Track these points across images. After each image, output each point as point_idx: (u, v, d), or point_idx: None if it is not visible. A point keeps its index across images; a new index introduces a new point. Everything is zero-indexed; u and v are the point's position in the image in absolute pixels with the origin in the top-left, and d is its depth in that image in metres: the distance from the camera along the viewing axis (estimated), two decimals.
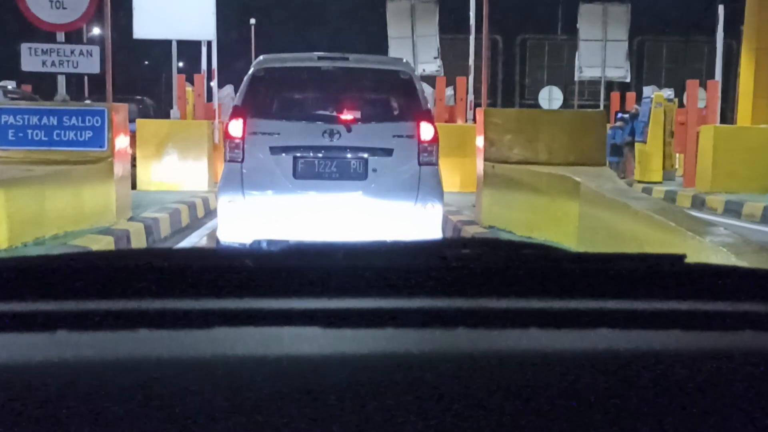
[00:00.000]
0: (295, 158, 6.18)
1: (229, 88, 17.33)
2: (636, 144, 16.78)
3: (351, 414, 0.71)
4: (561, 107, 24.27)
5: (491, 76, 24.03)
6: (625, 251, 1.14)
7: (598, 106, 21.69)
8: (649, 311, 0.90)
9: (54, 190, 7.10)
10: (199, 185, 12.46)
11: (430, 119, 6.37)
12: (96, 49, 8.44)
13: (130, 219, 8.39)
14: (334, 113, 6.39)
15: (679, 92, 19.24)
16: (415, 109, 6.29)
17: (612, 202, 5.77)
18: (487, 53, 13.54)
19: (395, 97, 6.65)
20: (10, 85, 17.51)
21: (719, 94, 15.00)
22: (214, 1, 13.41)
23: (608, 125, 14.72)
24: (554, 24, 38.69)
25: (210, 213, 10.78)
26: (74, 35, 19.13)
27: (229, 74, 20.80)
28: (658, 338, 0.84)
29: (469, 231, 8.09)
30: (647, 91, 17.99)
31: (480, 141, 8.57)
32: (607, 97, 21.57)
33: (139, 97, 18.91)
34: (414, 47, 21.17)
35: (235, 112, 6.28)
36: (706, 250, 4.16)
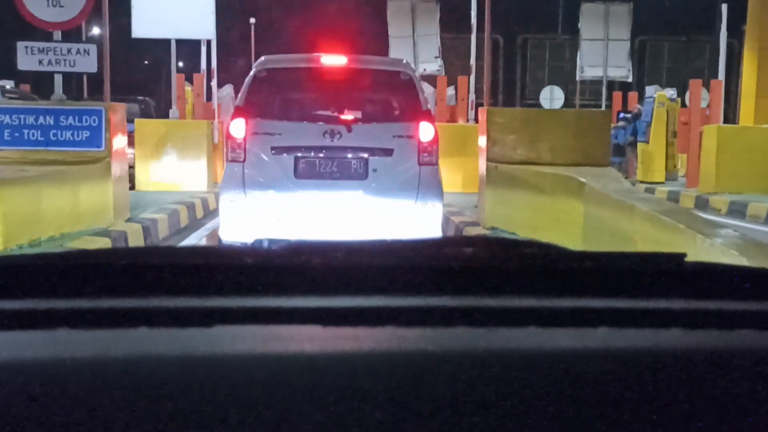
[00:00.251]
0: (296, 158, 6.22)
1: (228, 88, 17.21)
2: (638, 144, 16.69)
3: (351, 412, 0.71)
4: (562, 107, 24.17)
5: (492, 76, 23.92)
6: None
7: (600, 106, 21.61)
8: (648, 310, 0.90)
9: (50, 191, 7.00)
10: (198, 185, 12.39)
11: (431, 119, 6.42)
12: (93, 48, 8.33)
13: (128, 220, 8.29)
14: (335, 113, 6.44)
15: (681, 92, 19.13)
16: (415, 110, 6.34)
17: (618, 203, 5.66)
18: (489, 52, 13.44)
19: (396, 97, 6.69)
20: (9, 84, 17.41)
21: (722, 93, 14.90)
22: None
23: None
24: (555, 23, 38.61)
25: (209, 214, 10.71)
26: (74, 34, 19.05)
27: (229, 74, 20.70)
28: (657, 337, 0.84)
29: (472, 232, 8.00)
30: (650, 90, 17.90)
31: (482, 141, 8.47)
32: (609, 97, 21.47)
33: (141, 98, 18.87)
34: (415, 46, 21.06)
35: (237, 113, 6.33)
36: (716, 253, 4.05)
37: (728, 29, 15.00)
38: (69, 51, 8.24)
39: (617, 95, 20.80)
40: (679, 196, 13.39)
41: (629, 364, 0.77)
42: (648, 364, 0.77)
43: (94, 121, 7.88)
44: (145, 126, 12.93)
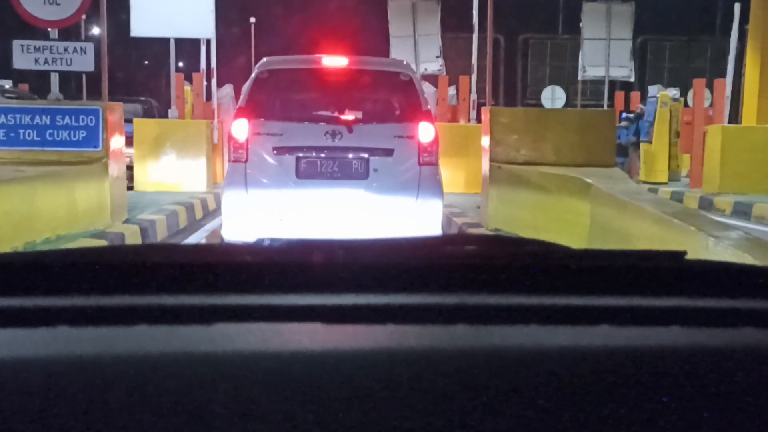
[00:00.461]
0: (297, 158, 6.29)
1: (228, 88, 17.06)
2: (641, 144, 16.57)
3: (351, 410, 0.70)
4: (564, 107, 24.04)
5: (493, 75, 23.83)
6: None
7: (602, 106, 21.49)
8: (649, 308, 0.90)
9: (45, 192, 6.88)
10: (197, 186, 12.30)
11: (431, 120, 6.49)
12: (90, 46, 8.20)
13: (126, 221, 8.18)
14: (336, 114, 6.54)
15: (683, 92, 19.01)
16: (415, 110, 6.43)
17: (625, 205, 5.54)
18: (491, 52, 13.32)
19: (396, 98, 6.77)
20: (7, 84, 17.29)
21: (728, 93, 14.79)
22: None
23: None
24: (556, 23, 38.51)
25: (208, 215, 10.62)
26: (73, 33, 18.93)
27: (229, 73, 20.58)
28: (658, 335, 0.84)
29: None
30: (653, 90, 17.77)
31: (486, 141, 8.35)
32: (610, 97, 21.35)
33: (144, 98, 18.79)
34: (416, 46, 20.93)
35: (240, 113, 6.41)
36: (727, 255, 3.94)
37: (730, 29, 14.89)
38: (65, 50, 8.12)
39: (619, 95, 20.68)
40: (683, 196, 13.28)
41: (630, 362, 0.77)
42: (648, 362, 0.77)
43: (91, 120, 7.76)
44: (144, 126, 12.83)
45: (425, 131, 6.38)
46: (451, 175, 12.36)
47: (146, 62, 36.78)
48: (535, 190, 7.48)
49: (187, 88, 15.87)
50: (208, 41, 13.71)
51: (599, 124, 8.14)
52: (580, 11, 21.74)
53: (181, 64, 22.45)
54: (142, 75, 35.54)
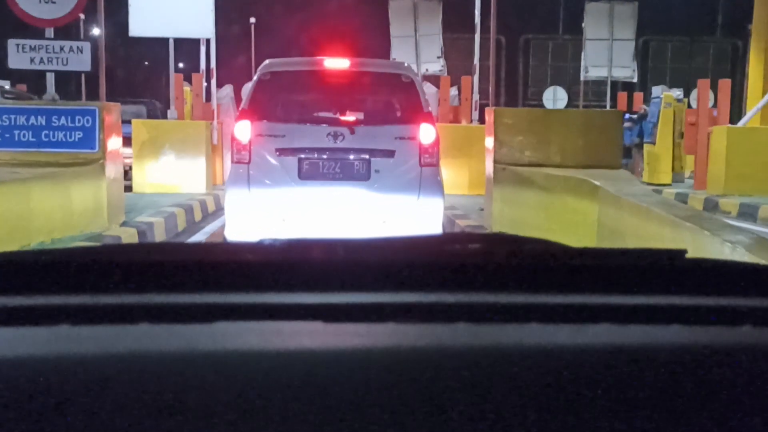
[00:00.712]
0: (300, 159, 6.35)
1: (228, 88, 16.90)
2: (644, 145, 16.45)
3: (352, 409, 0.70)
4: (565, 108, 23.90)
5: (494, 76, 23.69)
6: None
7: (604, 107, 21.37)
8: (649, 306, 0.90)
9: (41, 194, 6.73)
10: (197, 187, 12.19)
11: (431, 121, 6.56)
12: (87, 46, 8.04)
13: (123, 224, 8.05)
14: (338, 116, 6.60)
15: (685, 92, 18.88)
16: (416, 112, 6.50)
17: (635, 207, 5.39)
18: (495, 52, 13.20)
19: (397, 99, 6.83)
20: (6, 85, 17.15)
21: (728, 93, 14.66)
22: None
23: None
24: (557, 24, 38.40)
25: (208, 216, 10.51)
26: (73, 34, 18.78)
27: (228, 74, 20.43)
28: (657, 333, 0.84)
29: None
30: (656, 91, 17.63)
31: (489, 142, 8.21)
32: (613, 98, 21.22)
33: (147, 100, 18.70)
34: (417, 46, 20.79)
35: (242, 115, 6.48)
36: (743, 259, 3.79)
37: (732, 29, 14.78)
38: (62, 49, 7.96)
39: (622, 96, 20.54)
40: (687, 198, 13.15)
41: (629, 360, 0.77)
42: (648, 360, 0.77)
43: (88, 121, 7.61)
44: (142, 127, 12.72)
45: (426, 133, 6.44)
46: (453, 176, 12.24)
47: (146, 63, 36.65)
48: (540, 192, 7.34)
49: (187, 88, 15.72)
50: (208, 41, 13.57)
51: (605, 125, 8.00)
52: (582, 11, 21.62)
53: (181, 65, 22.33)
54: (142, 76, 35.44)
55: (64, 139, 7.64)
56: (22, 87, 18.86)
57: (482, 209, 9.68)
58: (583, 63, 20.92)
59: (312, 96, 7.06)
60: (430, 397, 0.72)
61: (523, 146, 7.93)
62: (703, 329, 0.85)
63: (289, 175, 6.33)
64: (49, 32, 8.14)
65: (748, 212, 11.27)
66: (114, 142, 8.08)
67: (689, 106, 17.54)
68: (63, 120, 7.62)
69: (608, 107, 20.36)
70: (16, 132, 7.62)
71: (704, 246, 4.23)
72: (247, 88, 7.14)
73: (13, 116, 7.63)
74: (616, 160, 7.80)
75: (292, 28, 32.96)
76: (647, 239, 5.09)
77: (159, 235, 8.27)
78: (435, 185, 6.44)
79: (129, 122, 12.35)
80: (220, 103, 14.96)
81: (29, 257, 1.03)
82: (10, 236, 6.18)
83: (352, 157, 6.37)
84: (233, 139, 6.44)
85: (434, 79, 18.10)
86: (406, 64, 7.52)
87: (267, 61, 6.81)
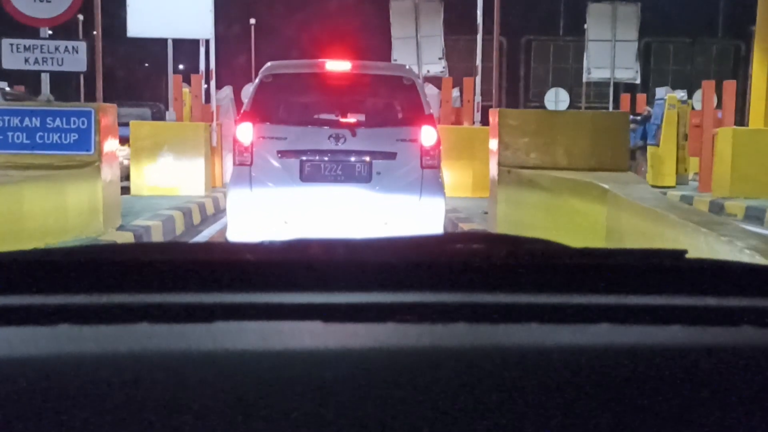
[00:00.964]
0: (301, 161, 6.38)
1: (228, 90, 16.74)
2: (648, 147, 16.29)
3: (352, 408, 0.70)
4: (567, 109, 23.75)
5: (498, 77, 23.56)
6: None
7: (606, 108, 21.24)
8: (649, 306, 0.90)
9: (34, 198, 6.55)
10: (195, 190, 12.06)
11: (433, 124, 6.60)
12: (82, 46, 7.87)
13: (120, 228, 7.90)
14: (340, 118, 6.68)
15: (687, 94, 18.73)
16: (417, 114, 6.54)
17: (646, 212, 5.22)
18: (498, 53, 13.05)
19: (399, 102, 6.86)
20: (4, 86, 16.99)
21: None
22: None
23: None
24: (558, 25, 38.27)
25: (206, 219, 10.39)
26: (73, 34, 18.61)
27: (228, 75, 20.28)
28: (658, 333, 0.84)
29: None
30: (660, 92, 17.49)
31: (494, 144, 8.04)
32: (615, 99, 21.08)
33: (152, 103, 18.62)
34: (418, 47, 20.64)
35: (244, 117, 6.51)
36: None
37: (734, 30, 14.66)
38: (57, 49, 7.79)
39: (625, 97, 20.41)
40: (692, 200, 13.00)
41: (630, 360, 0.77)
42: (649, 360, 0.77)
43: (83, 123, 7.44)
44: (141, 128, 12.59)
45: (427, 135, 6.47)
46: (456, 178, 12.10)
47: (146, 65, 36.49)
48: (547, 195, 7.17)
49: (186, 90, 15.56)
50: (207, 42, 13.41)
51: (612, 127, 7.84)
52: (583, 12, 21.50)
53: (181, 66, 22.18)
54: (143, 77, 35.28)
55: (58, 141, 7.47)
56: (20, 88, 18.71)
57: (486, 212, 9.52)
58: (585, 64, 20.80)
59: (314, 98, 7.08)
60: (430, 397, 0.71)
61: (529, 148, 7.77)
62: (703, 329, 0.85)
63: (290, 177, 6.36)
64: (44, 32, 7.97)
65: (754, 215, 11.13)
66: (110, 144, 7.92)
67: (692, 107, 17.40)
68: (58, 121, 7.45)
69: (611, 109, 20.23)
70: (10, 134, 7.45)
71: (721, 252, 4.06)
72: (248, 90, 7.13)
73: (6, 118, 7.46)
74: (623, 163, 7.63)
75: (293, 29, 32.82)
76: (661, 244, 4.92)
77: (156, 239, 8.12)
78: (436, 187, 6.47)
79: (126, 125, 12.21)
80: (220, 104, 14.81)
81: (29, 257, 1.02)
82: (1, 241, 6.02)
83: (353, 159, 6.39)
84: (235, 141, 6.46)
85: (436, 81, 17.96)
86: (407, 67, 7.59)
87: (269, 64, 6.83)
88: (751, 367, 0.78)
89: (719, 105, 16.35)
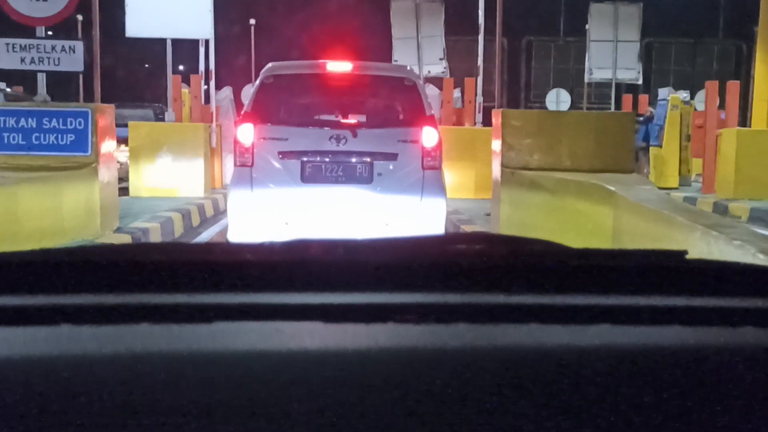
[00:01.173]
0: (302, 162, 6.37)
1: (227, 90, 16.64)
2: (651, 148, 16.19)
3: (352, 409, 0.70)
4: (569, 110, 23.64)
5: (500, 78, 23.48)
6: None
7: (608, 109, 21.14)
8: (649, 307, 0.91)
9: (29, 200, 6.44)
10: (195, 191, 11.97)
11: (434, 125, 6.60)
12: (79, 45, 7.75)
13: (117, 230, 7.81)
14: (341, 119, 6.70)
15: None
16: (419, 115, 6.53)
17: (654, 214, 5.11)
18: (501, 54, 12.96)
19: (400, 103, 6.85)
20: (2, 86, 16.89)
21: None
22: None
23: None
24: (558, 25, 38.19)
25: (206, 221, 10.30)
26: (73, 33, 18.49)
27: (228, 76, 20.18)
28: (658, 334, 0.84)
29: None
30: (663, 93, 17.40)
31: (497, 145, 7.93)
32: (616, 100, 20.97)
33: (156, 104, 18.59)
34: (419, 48, 20.52)
35: (245, 118, 6.50)
36: None
37: (735, 31, 14.59)
38: (53, 48, 7.67)
39: (627, 98, 20.30)
40: (696, 202, 12.89)
41: (630, 361, 0.77)
42: (649, 361, 0.77)
43: (80, 123, 7.32)
44: (139, 129, 12.50)
45: (429, 136, 6.46)
46: (457, 179, 12.00)
47: (146, 66, 36.36)
48: (551, 197, 7.06)
49: (185, 90, 15.45)
50: (207, 42, 13.30)
51: (617, 128, 7.73)
52: (582, 13, 21.41)
53: (182, 67, 22.07)
54: (143, 78, 35.16)
55: (55, 142, 7.36)
56: (19, 89, 18.60)
57: (488, 214, 9.42)
58: (587, 65, 20.67)
59: (315, 99, 7.08)
60: (430, 398, 0.71)
61: (532, 149, 7.66)
62: (703, 330, 0.85)
63: (291, 178, 6.35)
64: (41, 31, 7.85)
65: (759, 217, 11.03)
66: (107, 145, 7.81)
67: (694, 108, 17.29)
68: (54, 122, 7.34)
69: (612, 109, 20.13)
70: (5, 135, 7.32)
71: (732, 257, 3.95)
72: (248, 91, 7.08)
73: (2, 118, 7.33)
74: (628, 164, 7.53)
75: (293, 29, 32.72)
76: (669, 248, 4.80)
77: (155, 242, 8.01)
78: (437, 188, 6.46)
79: (125, 125, 12.12)
80: (219, 105, 14.72)
81: (30, 257, 1.01)
82: None
83: (354, 160, 6.38)
84: (236, 142, 6.45)
85: (436, 81, 17.86)
86: (408, 68, 7.63)
87: (270, 65, 6.81)
88: (752, 367, 0.78)
89: (721, 106, 16.27)
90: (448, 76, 19.00)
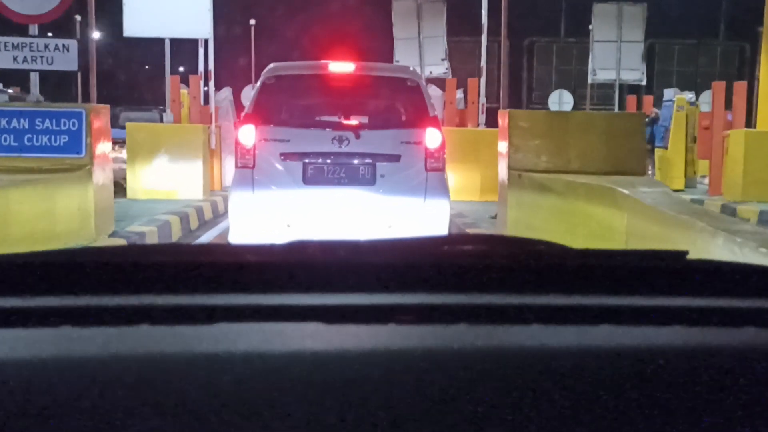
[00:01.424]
0: (304, 164, 6.31)
1: (227, 91, 16.46)
2: (656, 150, 15.99)
3: (353, 410, 0.70)
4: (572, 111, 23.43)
5: (497, 79, 23.34)
6: None
7: (611, 110, 20.95)
8: (650, 307, 0.91)
9: (21, 203, 6.22)
10: (193, 193, 11.78)
11: (437, 126, 6.52)
12: (73, 44, 7.53)
13: (112, 234, 7.60)
14: (343, 120, 6.63)
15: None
16: (422, 116, 6.46)
17: (672, 219, 4.88)
18: (506, 54, 12.77)
19: (403, 104, 6.79)
20: (8, 89, 16.72)
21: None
22: None
23: None
24: (559, 26, 38.05)
25: (204, 224, 10.11)
26: (73, 32, 18.31)
27: (228, 76, 19.99)
28: (659, 334, 0.83)
29: None
30: (668, 93, 17.22)
31: (503, 146, 7.73)
32: (621, 101, 20.79)
33: (161, 107, 18.52)
34: (420, 48, 20.34)
35: (247, 119, 6.44)
36: None
37: (738, 31, 14.43)
38: (46, 47, 7.45)
39: (631, 99, 20.15)
40: (703, 204, 12.69)
41: (631, 361, 0.77)
42: (650, 361, 0.77)
43: (74, 124, 7.11)
44: (137, 131, 12.31)
45: (432, 137, 6.38)
46: (461, 182, 11.81)
47: (147, 67, 36.20)
48: (561, 200, 6.84)
49: (184, 91, 15.26)
50: (206, 42, 13.09)
51: (628, 129, 7.53)
52: (584, 13, 21.25)
53: (182, 68, 21.91)
54: (144, 79, 34.99)
55: (48, 144, 7.16)
56: (16, 89, 18.42)
57: (493, 217, 9.22)
58: (590, 65, 20.49)
59: (317, 100, 7.03)
60: (432, 399, 0.71)
61: (540, 151, 7.45)
62: (704, 330, 0.85)
63: (293, 179, 6.28)
64: (34, 29, 7.62)
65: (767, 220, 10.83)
66: (102, 147, 7.59)
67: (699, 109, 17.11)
68: (47, 123, 7.13)
69: (616, 110, 19.94)
70: None
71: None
72: (248, 93, 6.94)
73: None
74: (640, 166, 7.32)
75: (293, 30, 32.55)
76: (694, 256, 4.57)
77: None
78: (441, 190, 6.40)
79: (123, 127, 11.95)
80: (219, 106, 14.53)
81: (30, 259, 1.01)
82: None
83: (357, 161, 6.31)
84: (237, 143, 6.39)
85: (438, 82, 17.68)
86: (411, 68, 7.71)
87: (271, 65, 6.74)
88: (753, 367, 0.77)
89: (726, 107, 16.08)
90: (450, 76, 18.84)
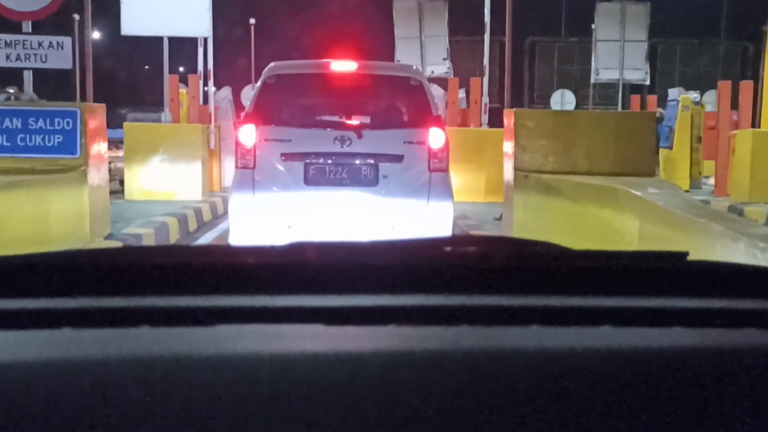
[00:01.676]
0: (306, 164, 6.24)
1: (226, 91, 16.30)
2: (660, 150, 15.82)
3: (353, 412, 0.70)
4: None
5: (499, 78, 23.18)
6: None
7: (614, 110, 20.80)
8: (651, 308, 0.91)
9: (13, 205, 6.07)
10: (192, 194, 11.62)
11: (441, 126, 6.45)
12: (68, 41, 7.37)
13: (108, 237, 7.46)
14: (345, 120, 6.54)
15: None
16: (425, 116, 6.39)
17: (691, 223, 4.70)
18: (510, 54, 12.62)
19: (405, 103, 6.74)
20: (10, 88, 16.51)
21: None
22: None
23: None
24: (560, 26, 37.93)
25: (203, 226, 9.96)
26: (72, 32, 18.10)
27: (227, 76, 19.83)
28: (660, 335, 0.83)
29: None
30: (673, 93, 17.04)
31: (509, 147, 7.56)
32: (624, 100, 20.63)
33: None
34: (422, 48, 20.20)
35: (247, 119, 6.37)
36: None
37: (740, 31, 14.29)
38: (40, 44, 7.28)
39: (635, 98, 19.99)
40: (710, 205, 12.52)
41: (632, 362, 0.77)
42: (650, 362, 0.77)
43: (68, 124, 6.94)
44: (135, 131, 12.16)
45: (435, 137, 6.31)
46: (464, 182, 11.63)
47: (147, 67, 36.05)
48: (569, 202, 6.67)
49: (183, 90, 15.10)
50: (205, 41, 12.92)
51: (636, 129, 7.37)
52: (585, 12, 21.09)
53: (181, 68, 21.72)
54: (144, 79, 34.84)
55: (41, 144, 7.00)
56: (15, 89, 18.23)
57: (497, 218, 9.04)
58: (593, 65, 20.34)
59: (318, 99, 6.94)
60: (432, 400, 0.71)
61: (547, 151, 7.28)
62: (705, 331, 0.85)
63: (294, 180, 6.21)
64: (27, 26, 7.44)
65: None
66: (98, 147, 7.43)
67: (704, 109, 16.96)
68: (41, 122, 6.97)
69: (619, 110, 19.80)
70: None
71: None
72: (248, 93, 6.78)
73: None
74: (649, 167, 7.16)
75: (294, 29, 32.41)
76: (705, 257, 4.39)
77: None
78: (444, 190, 6.33)
79: (120, 127, 11.78)
80: (218, 105, 14.36)
81: (31, 260, 1.00)
82: None
83: (359, 162, 6.23)
84: (238, 143, 6.32)
85: (440, 81, 17.54)
86: (414, 67, 7.56)
87: (272, 64, 6.66)
88: (754, 368, 0.77)
89: (732, 106, 15.94)
90: (452, 76, 18.69)
